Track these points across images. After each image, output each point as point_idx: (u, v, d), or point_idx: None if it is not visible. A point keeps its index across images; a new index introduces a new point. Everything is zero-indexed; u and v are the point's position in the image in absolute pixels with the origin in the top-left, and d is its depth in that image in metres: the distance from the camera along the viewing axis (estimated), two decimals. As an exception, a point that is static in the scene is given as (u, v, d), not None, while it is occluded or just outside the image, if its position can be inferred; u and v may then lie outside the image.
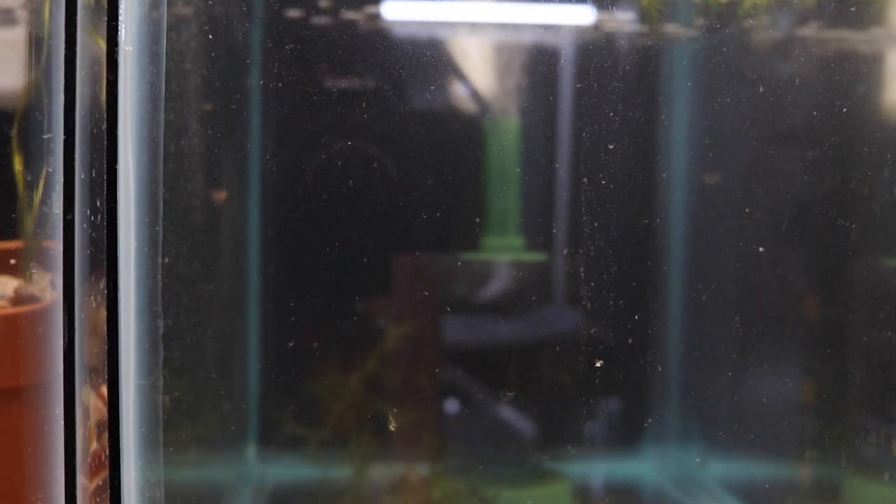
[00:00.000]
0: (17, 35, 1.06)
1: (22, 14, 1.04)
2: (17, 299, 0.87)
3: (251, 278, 1.23)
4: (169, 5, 0.70)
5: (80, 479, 0.63)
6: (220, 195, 1.12)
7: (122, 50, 0.60)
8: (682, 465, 1.32)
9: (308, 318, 1.22)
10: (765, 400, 1.26)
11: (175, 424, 0.88)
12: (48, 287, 0.83)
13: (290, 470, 1.26)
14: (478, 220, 1.23)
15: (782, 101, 1.22)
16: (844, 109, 1.20)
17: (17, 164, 0.90)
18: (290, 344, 1.22)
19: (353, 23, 1.20)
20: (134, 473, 0.64)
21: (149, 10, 0.64)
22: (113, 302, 0.61)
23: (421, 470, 1.23)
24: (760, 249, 1.21)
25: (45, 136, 0.59)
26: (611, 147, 1.21)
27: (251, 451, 1.26)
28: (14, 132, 0.91)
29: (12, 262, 0.90)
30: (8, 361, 0.79)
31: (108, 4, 0.60)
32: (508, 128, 1.24)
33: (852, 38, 1.20)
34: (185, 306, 0.92)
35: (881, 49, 1.22)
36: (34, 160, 0.87)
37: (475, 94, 1.24)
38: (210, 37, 0.96)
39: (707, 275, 1.26)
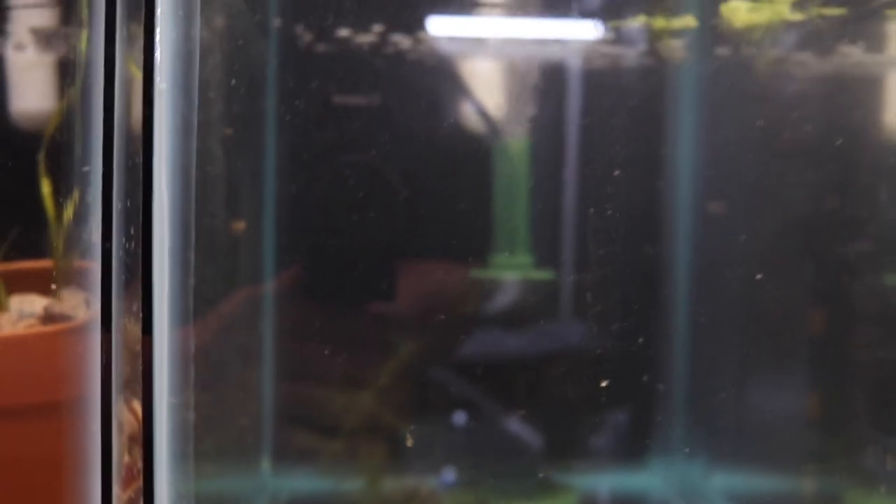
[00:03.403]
0: (43, 60, 1.09)
1: (53, 41, 1.07)
2: (47, 317, 0.90)
3: (266, 296, 1.26)
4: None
5: (115, 490, 0.66)
6: (239, 218, 1.15)
7: (157, 88, 0.63)
8: (687, 477, 1.34)
9: (321, 333, 1.25)
10: (767, 414, 1.28)
11: (198, 438, 0.91)
12: (81, 305, 0.87)
13: (304, 482, 1.28)
14: (488, 238, 1.25)
15: (786, 124, 1.24)
16: (850, 132, 1.23)
17: (46, 187, 0.94)
18: (304, 359, 1.24)
19: (365, 44, 1.23)
20: (166, 486, 0.67)
21: (182, 46, 0.67)
22: (148, 323, 0.64)
23: (432, 482, 1.26)
24: (758, 277, 1.24)
25: (84, 169, 0.62)
26: (618, 170, 1.24)
27: (265, 463, 1.29)
28: (42, 157, 0.94)
29: (43, 281, 0.94)
30: (40, 378, 0.82)
31: (144, 43, 0.63)
32: (518, 148, 1.27)
33: (856, 61, 1.22)
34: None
35: (887, 72, 1.25)
36: (65, 184, 0.91)
37: (486, 116, 1.27)
38: (231, 65, 0.99)
39: (711, 293, 1.28)
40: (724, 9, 1.13)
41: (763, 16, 1.08)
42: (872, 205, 1.23)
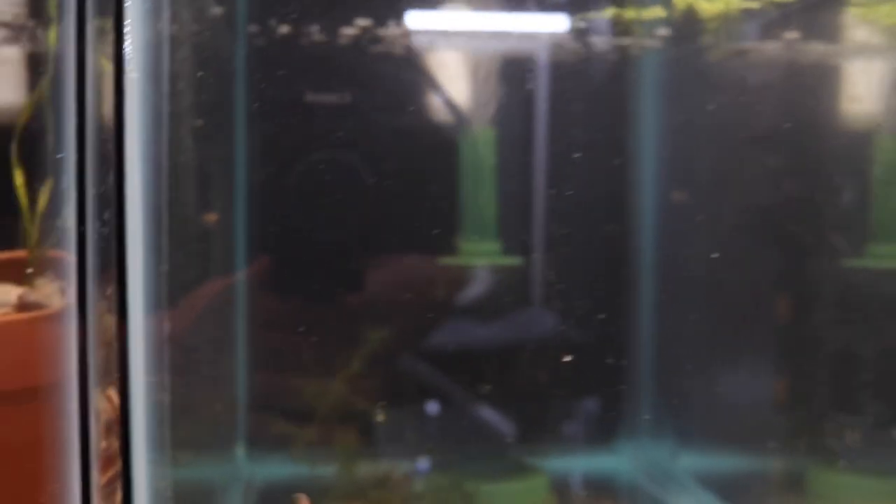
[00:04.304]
0: (13, 54, 1.10)
1: (20, 34, 1.08)
2: (22, 306, 0.92)
3: (238, 284, 1.27)
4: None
5: (94, 475, 0.67)
6: (210, 206, 1.16)
7: (128, 77, 0.65)
8: (654, 459, 1.36)
9: (294, 321, 1.26)
10: (733, 395, 1.31)
11: (173, 424, 0.93)
12: (56, 293, 0.88)
13: (278, 468, 1.29)
14: (456, 226, 1.27)
15: (748, 109, 1.27)
16: (809, 118, 1.25)
17: (19, 178, 0.95)
18: (278, 347, 1.26)
19: (332, 36, 1.24)
20: (143, 468, 0.68)
21: (152, 35, 0.69)
22: (123, 306, 0.66)
23: (405, 466, 1.28)
24: (714, 255, 1.26)
25: (59, 156, 0.64)
26: (582, 154, 1.26)
27: (240, 450, 1.30)
28: (14, 148, 0.95)
29: (16, 271, 0.95)
30: (15, 365, 0.84)
31: (114, 31, 0.64)
32: (485, 137, 1.28)
33: (811, 48, 1.25)
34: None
35: (844, 59, 1.27)
36: (36, 174, 0.92)
37: (452, 105, 1.28)
38: (202, 54, 1.00)
39: (677, 275, 1.31)
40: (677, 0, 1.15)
41: (717, 5, 1.10)
42: (833, 189, 1.26)
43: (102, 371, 0.68)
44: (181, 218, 0.86)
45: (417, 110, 1.28)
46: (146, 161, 0.67)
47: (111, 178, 0.64)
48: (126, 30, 0.64)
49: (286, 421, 1.28)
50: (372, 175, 1.24)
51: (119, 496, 0.68)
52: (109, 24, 0.66)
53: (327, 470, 1.26)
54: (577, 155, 1.24)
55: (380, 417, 1.24)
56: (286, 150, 1.25)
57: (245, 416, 1.30)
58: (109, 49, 0.67)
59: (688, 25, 1.22)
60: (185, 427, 1.09)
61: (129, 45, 0.64)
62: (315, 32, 1.24)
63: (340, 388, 1.26)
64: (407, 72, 1.27)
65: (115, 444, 0.67)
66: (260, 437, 1.30)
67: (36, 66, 1.06)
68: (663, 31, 1.27)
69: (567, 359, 1.22)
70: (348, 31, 1.24)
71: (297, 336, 1.26)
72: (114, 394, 0.67)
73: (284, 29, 1.23)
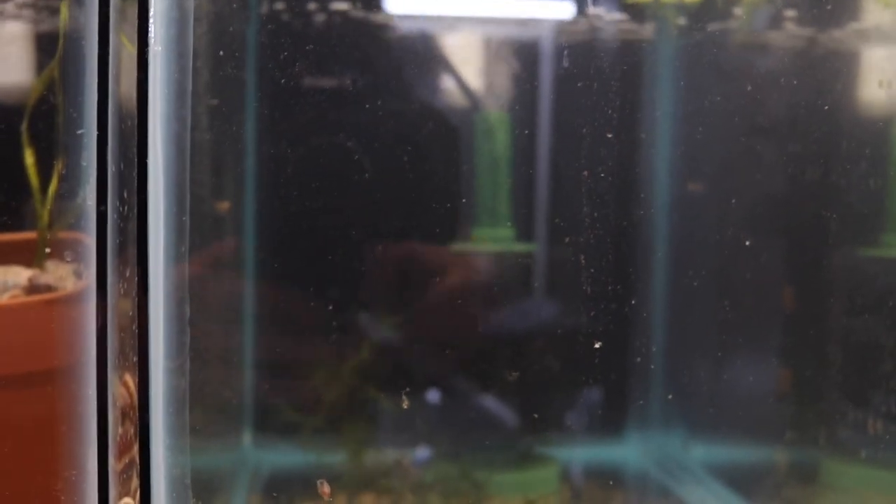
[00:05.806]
0: (19, 33, 1.08)
1: (28, 13, 1.06)
2: (32, 288, 0.90)
3: (247, 269, 1.25)
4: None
5: (110, 460, 0.65)
6: (222, 186, 1.14)
7: (152, 50, 0.63)
8: (664, 449, 1.35)
9: (302, 308, 1.25)
10: (744, 386, 1.30)
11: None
12: (69, 276, 0.86)
13: (285, 456, 1.28)
14: (468, 211, 1.26)
15: (764, 97, 1.25)
16: (826, 106, 1.24)
17: (29, 158, 0.92)
18: (286, 333, 1.24)
19: (345, 19, 1.22)
20: (161, 454, 0.67)
21: (176, 11, 0.67)
22: (143, 288, 0.64)
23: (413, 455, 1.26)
24: (747, 243, 1.25)
25: (79, 132, 0.62)
26: (598, 140, 1.24)
27: (247, 437, 1.29)
28: (24, 128, 0.93)
29: (27, 253, 0.93)
30: (25, 347, 0.82)
31: (138, 6, 0.63)
32: (498, 122, 1.27)
33: (834, 37, 1.23)
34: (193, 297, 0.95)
35: (862, 47, 1.26)
36: (47, 154, 0.90)
37: (465, 90, 1.27)
38: (214, 34, 0.98)
39: (690, 265, 1.29)
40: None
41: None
42: (847, 178, 1.24)
43: (119, 355, 0.66)
44: (197, 197, 0.85)
45: (432, 94, 1.27)
46: (169, 137, 0.65)
47: (133, 154, 0.62)
48: (150, 2, 0.62)
49: (294, 409, 1.26)
50: (382, 159, 1.22)
51: (135, 483, 0.66)
52: (128, 3, 0.64)
53: (334, 458, 1.25)
54: (592, 141, 1.23)
55: (405, 404, 1.22)
56: (296, 133, 1.23)
57: (252, 403, 1.28)
58: (129, 29, 0.65)
59: (707, 10, 1.21)
60: (195, 413, 1.07)
61: (152, 18, 0.62)
62: (327, 15, 1.22)
63: (349, 376, 1.25)
64: (423, 56, 1.26)
65: (131, 430, 0.65)
66: (267, 425, 1.28)
67: (45, 45, 1.04)
68: (683, 16, 1.25)
69: (597, 345, 1.21)
70: (362, 15, 1.23)
71: (306, 321, 1.24)
72: (130, 379, 0.65)
73: (297, 10, 1.21)
